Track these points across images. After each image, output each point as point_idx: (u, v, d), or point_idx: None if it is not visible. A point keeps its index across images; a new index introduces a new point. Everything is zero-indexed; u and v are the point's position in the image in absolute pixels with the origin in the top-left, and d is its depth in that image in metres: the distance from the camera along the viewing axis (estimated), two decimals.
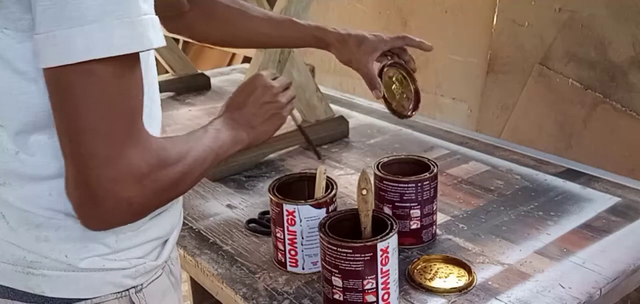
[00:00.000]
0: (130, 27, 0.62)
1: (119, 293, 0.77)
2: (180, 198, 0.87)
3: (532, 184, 1.33)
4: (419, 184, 1.07)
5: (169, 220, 0.83)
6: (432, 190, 1.08)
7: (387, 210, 1.08)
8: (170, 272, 0.87)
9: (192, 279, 1.98)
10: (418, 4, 2.71)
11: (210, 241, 1.17)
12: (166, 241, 0.84)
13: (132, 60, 0.64)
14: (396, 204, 1.08)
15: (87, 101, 0.62)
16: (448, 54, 2.61)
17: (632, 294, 1.06)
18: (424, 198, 1.08)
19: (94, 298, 0.75)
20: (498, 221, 1.18)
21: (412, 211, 1.08)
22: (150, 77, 0.78)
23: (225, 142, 0.84)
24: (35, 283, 0.74)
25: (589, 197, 1.26)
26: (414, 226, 1.09)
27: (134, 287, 0.78)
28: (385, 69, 1.16)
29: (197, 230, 1.21)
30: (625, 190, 1.28)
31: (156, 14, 0.67)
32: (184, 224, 1.22)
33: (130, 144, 0.65)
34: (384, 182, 1.08)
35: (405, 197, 1.07)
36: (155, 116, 0.80)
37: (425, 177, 1.07)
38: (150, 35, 0.63)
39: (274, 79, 0.98)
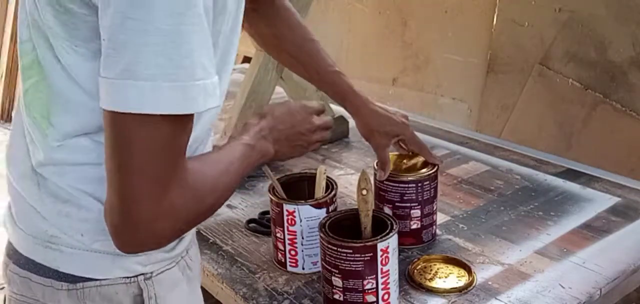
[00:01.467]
0: (181, 91, 0.65)
1: (128, 278, 0.80)
2: None
3: (532, 184, 1.33)
4: (419, 184, 1.07)
5: None
6: (432, 190, 1.08)
7: (387, 210, 1.08)
8: (186, 266, 0.88)
9: None
10: (418, 4, 2.71)
11: (210, 241, 1.17)
12: (184, 236, 0.86)
13: (186, 119, 0.67)
14: (396, 204, 1.08)
15: (138, 147, 0.66)
16: (448, 54, 2.61)
17: (632, 294, 1.06)
18: (425, 198, 1.08)
19: (103, 279, 0.79)
20: (498, 221, 1.18)
21: (412, 211, 1.08)
22: (224, 85, 0.82)
23: (253, 161, 0.86)
24: (52, 257, 0.78)
25: (589, 197, 1.26)
26: (414, 226, 1.09)
27: (143, 274, 0.81)
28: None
29: (197, 230, 1.21)
30: (625, 190, 1.28)
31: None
32: None
33: (172, 185, 0.69)
34: (384, 182, 1.08)
35: (405, 198, 1.07)
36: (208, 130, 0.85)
37: (426, 177, 1.07)
38: (199, 100, 0.66)
39: (322, 112, 1.00)
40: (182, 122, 0.68)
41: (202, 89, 0.66)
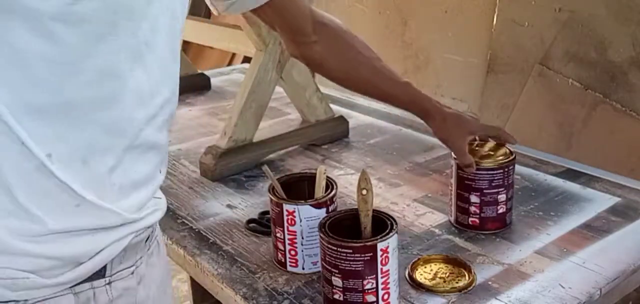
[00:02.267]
0: None
1: None
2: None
3: (532, 184, 1.33)
4: (506, 170, 1.10)
5: (86, 244, 0.70)
6: (513, 174, 1.12)
7: (474, 198, 1.11)
8: (90, 300, 0.73)
9: (192, 279, 1.98)
10: (418, 4, 2.71)
11: (210, 241, 1.17)
12: (81, 263, 0.71)
13: None
14: (484, 190, 1.10)
15: None
16: (448, 54, 2.61)
17: (632, 294, 1.06)
18: (509, 182, 1.11)
19: None
20: None
21: (499, 196, 1.11)
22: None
23: None
24: None
25: (589, 197, 1.26)
26: (500, 210, 1.12)
27: (15, 301, 0.67)
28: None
29: (197, 230, 1.21)
30: (625, 190, 1.28)
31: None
32: (183, 224, 1.23)
33: None
34: (470, 172, 1.11)
35: (493, 184, 1.10)
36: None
37: (510, 162, 1.11)
38: None
39: None
40: None
41: None
